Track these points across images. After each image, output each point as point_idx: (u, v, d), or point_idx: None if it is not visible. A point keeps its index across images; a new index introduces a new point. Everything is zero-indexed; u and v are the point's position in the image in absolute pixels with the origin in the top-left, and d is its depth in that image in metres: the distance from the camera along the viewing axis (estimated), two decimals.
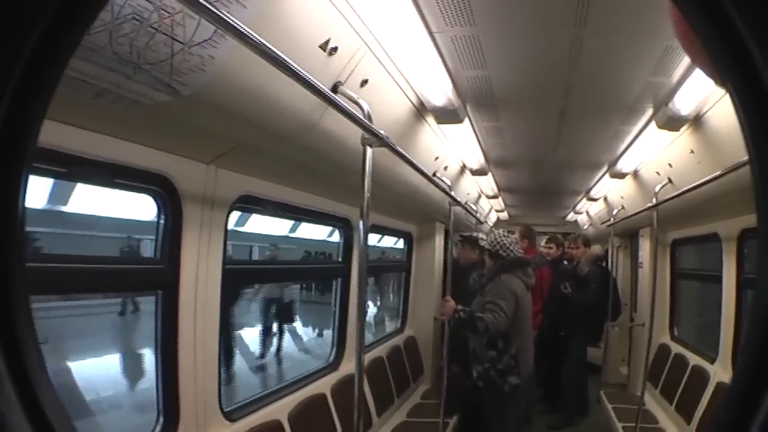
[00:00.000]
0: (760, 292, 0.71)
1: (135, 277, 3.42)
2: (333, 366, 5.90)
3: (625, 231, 10.21)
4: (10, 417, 0.71)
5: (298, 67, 2.46)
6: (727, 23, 0.66)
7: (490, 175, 9.49)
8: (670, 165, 6.16)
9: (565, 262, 9.33)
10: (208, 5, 1.84)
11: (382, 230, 8.31)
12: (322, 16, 2.98)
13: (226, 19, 1.94)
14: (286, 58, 2.35)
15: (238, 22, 2.00)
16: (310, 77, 2.58)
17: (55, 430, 0.76)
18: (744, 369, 0.70)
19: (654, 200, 6.61)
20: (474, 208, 9.85)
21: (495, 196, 12.12)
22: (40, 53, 0.73)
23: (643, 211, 7.29)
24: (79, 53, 1.84)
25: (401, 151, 3.98)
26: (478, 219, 10.09)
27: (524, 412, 6.63)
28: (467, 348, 5.99)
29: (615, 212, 9.46)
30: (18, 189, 0.76)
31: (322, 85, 2.74)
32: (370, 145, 3.34)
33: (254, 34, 2.09)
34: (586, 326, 8.77)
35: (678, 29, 0.79)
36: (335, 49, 3.19)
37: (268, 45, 2.19)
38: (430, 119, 5.41)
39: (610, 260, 10.47)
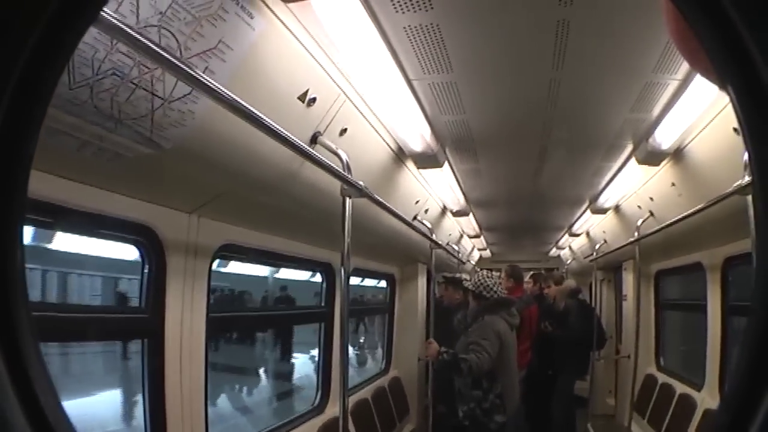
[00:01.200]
0: (758, 294, 0.70)
1: (119, 326, 3.38)
2: (318, 409, 5.81)
3: (609, 264, 10.23)
4: (10, 417, 0.70)
5: (273, 124, 2.49)
6: (726, 23, 0.66)
7: (471, 215, 9.51)
8: (651, 199, 6.19)
9: (546, 299, 9.35)
10: (182, 66, 1.86)
11: (364, 273, 8.25)
12: (301, 68, 3.00)
13: (201, 79, 1.96)
14: (261, 115, 2.37)
15: (213, 82, 2.03)
16: (286, 133, 2.61)
17: (55, 431, 0.75)
18: (743, 370, 0.69)
19: (636, 234, 6.62)
20: (456, 248, 9.86)
21: (477, 236, 12.15)
22: (40, 53, 0.72)
23: (625, 245, 7.32)
24: (62, 106, 1.84)
25: (380, 200, 3.99)
26: (459, 260, 10.08)
27: None
28: (453, 387, 5.94)
29: (597, 247, 9.47)
30: (17, 183, 0.75)
31: (298, 141, 2.78)
32: (349, 196, 3.34)
33: (229, 93, 2.11)
34: (572, 361, 8.72)
35: (672, 29, 0.79)
36: (314, 99, 3.20)
37: (243, 103, 2.22)
38: (410, 164, 5.42)
39: (593, 294, 10.47)
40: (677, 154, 4.98)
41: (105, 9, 1.52)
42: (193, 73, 1.90)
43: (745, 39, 0.65)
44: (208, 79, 2.00)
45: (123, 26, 1.59)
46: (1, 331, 0.72)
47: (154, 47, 1.70)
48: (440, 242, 7.69)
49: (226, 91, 2.09)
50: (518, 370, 6.26)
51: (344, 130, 3.76)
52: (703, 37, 0.70)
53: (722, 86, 0.70)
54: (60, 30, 0.73)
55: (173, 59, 1.79)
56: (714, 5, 0.66)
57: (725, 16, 0.65)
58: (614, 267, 10.52)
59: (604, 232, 9.13)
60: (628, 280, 9.35)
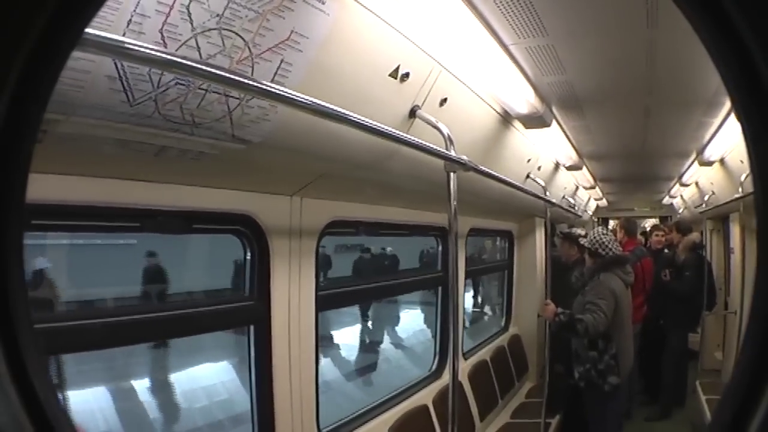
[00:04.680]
0: (759, 293, 0.71)
1: (227, 317, 3.37)
2: (435, 375, 5.68)
3: (718, 214, 9.70)
4: (10, 417, 0.68)
5: (361, 118, 2.35)
6: (727, 23, 0.66)
7: (584, 168, 9.25)
8: None
9: (666, 251, 9.00)
10: (250, 82, 1.77)
11: (482, 232, 8.09)
12: (387, 45, 2.81)
13: (270, 89, 1.87)
14: (345, 112, 2.22)
15: (285, 89, 1.92)
16: (373, 123, 2.46)
17: (55, 430, 0.73)
18: (743, 369, 0.69)
19: (740, 190, 6.25)
20: (572, 201, 9.62)
21: (592, 187, 11.85)
22: (39, 53, 0.70)
23: (730, 201, 6.95)
24: (127, 121, 1.76)
25: (487, 170, 3.81)
26: (575, 214, 9.80)
27: (624, 408, 6.62)
28: (570, 347, 5.83)
29: (706, 198, 9.00)
30: (17, 184, 0.74)
31: (387, 128, 2.63)
32: (453, 171, 3.16)
33: (305, 97, 1.98)
34: (683, 315, 8.40)
35: None
36: (407, 74, 3.02)
37: (322, 103, 2.08)
38: (518, 125, 5.21)
39: (704, 244, 10.02)
40: None
41: (136, 41, 1.46)
42: (260, 86, 1.82)
43: (746, 39, 0.66)
44: (277, 87, 1.90)
45: (161, 55, 1.51)
46: (1, 332, 0.71)
47: (200, 66, 1.59)
48: (555, 197, 7.56)
49: (300, 95, 1.97)
50: (633, 325, 6.12)
51: (444, 100, 3.57)
52: (704, 36, 0.72)
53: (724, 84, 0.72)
54: (58, 31, 0.70)
55: (222, 72, 1.66)
56: (715, 5, 0.67)
57: (726, 15, 0.66)
58: (723, 218, 10.00)
59: (711, 183, 8.64)
60: (735, 232, 8.84)
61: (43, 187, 2.02)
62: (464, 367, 6.25)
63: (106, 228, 2.77)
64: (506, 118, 4.89)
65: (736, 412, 0.68)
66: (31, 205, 1.95)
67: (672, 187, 12.88)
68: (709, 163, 7.91)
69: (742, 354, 0.71)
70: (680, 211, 13.99)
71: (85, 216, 2.46)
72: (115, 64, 1.64)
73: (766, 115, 0.67)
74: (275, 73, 2.14)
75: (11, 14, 0.65)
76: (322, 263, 3.97)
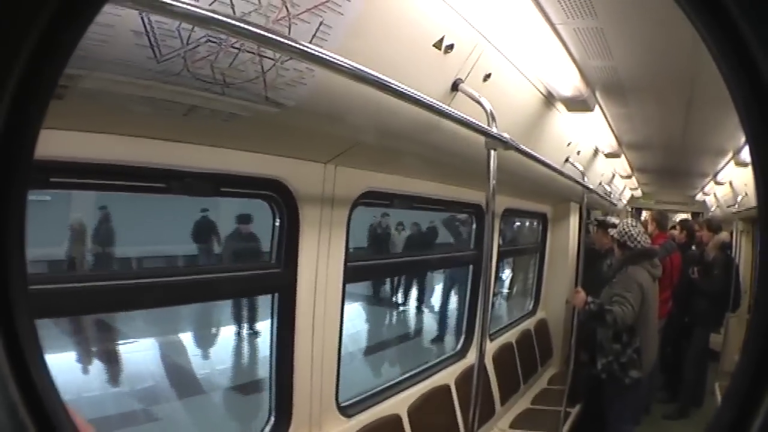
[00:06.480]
0: (761, 292, 0.70)
1: (252, 283, 3.34)
2: (459, 355, 5.65)
3: (749, 216, 9.59)
4: (10, 413, 0.66)
5: (402, 87, 2.25)
6: (728, 22, 0.65)
7: (623, 157, 9.19)
8: None
9: (693, 248, 9.02)
10: (287, 41, 1.68)
11: (517, 213, 8.03)
12: (432, 14, 2.69)
13: (308, 50, 1.76)
14: (386, 79, 2.12)
15: (324, 51, 1.82)
16: (417, 94, 2.36)
17: (55, 428, 0.71)
18: (744, 368, 0.68)
19: None
20: (608, 188, 9.47)
21: (629, 176, 11.81)
22: (40, 53, 0.68)
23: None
24: (153, 78, 1.68)
25: (528, 150, 3.69)
26: (610, 201, 9.66)
27: (644, 403, 6.74)
28: (596, 337, 5.80)
29: (739, 199, 8.90)
30: (17, 183, 0.71)
31: (429, 99, 2.52)
32: (494, 149, 3.05)
33: (345, 61, 1.88)
34: (708, 314, 8.36)
35: None
36: (451, 46, 2.90)
37: (363, 68, 1.98)
38: (560, 107, 5.10)
39: (733, 244, 9.87)
40: None
41: None
42: (299, 46, 1.72)
43: (747, 36, 0.64)
44: (316, 48, 1.81)
45: (195, 9, 1.41)
46: (2, 332, 0.69)
47: (235, 22, 1.49)
48: (592, 183, 7.42)
49: (340, 58, 1.88)
50: (658, 320, 6.11)
51: (488, 76, 3.44)
52: (705, 35, 0.70)
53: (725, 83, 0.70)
54: (59, 31, 0.68)
55: (258, 30, 1.56)
56: (715, 4, 0.65)
57: (726, 13, 0.65)
58: (753, 220, 9.79)
59: (746, 185, 8.45)
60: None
61: (64, 143, 1.98)
62: (489, 348, 6.17)
63: (131, 188, 2.71)
64: (549, 100, 4.77)
65: (737, 414, 0.67)
66: (50, 162, 1.90)
67: (706, 185, 12.77)
68: (745, 164, 7.81)
69: (744, 355, 0.70)
70: (712, 209, 13.88)
71: (109, 174, 2.40)
72: (142, 18, 1.56)
73: (767, 114, 0.66)
74: (313, 36, 2.03)
75: (12, 14, 0.64)
76: None
